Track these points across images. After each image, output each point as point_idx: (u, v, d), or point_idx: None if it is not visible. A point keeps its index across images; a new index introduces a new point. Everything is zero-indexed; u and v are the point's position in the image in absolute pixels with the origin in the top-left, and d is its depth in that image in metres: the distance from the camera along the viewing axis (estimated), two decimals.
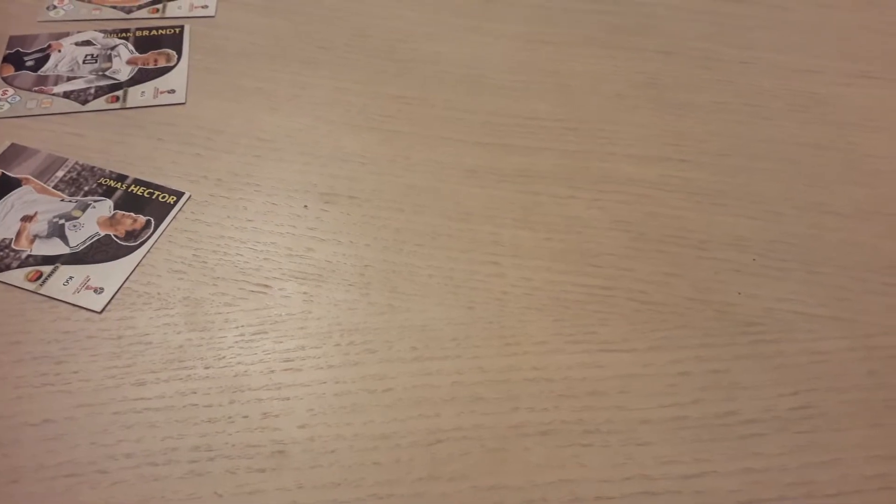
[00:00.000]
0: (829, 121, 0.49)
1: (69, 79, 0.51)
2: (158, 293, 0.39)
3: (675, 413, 0.35)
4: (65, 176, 0.45)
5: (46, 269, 0.40)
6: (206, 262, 0.40)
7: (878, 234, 0.42)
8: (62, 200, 0.43)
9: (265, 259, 0.41)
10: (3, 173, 0.45)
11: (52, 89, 0.50)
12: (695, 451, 0.34)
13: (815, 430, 0.34)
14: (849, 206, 0.44)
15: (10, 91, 0.50)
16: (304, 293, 0.39)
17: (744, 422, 0.34)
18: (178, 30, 0.55)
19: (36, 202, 0.43)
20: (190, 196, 0.44)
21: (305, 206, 0.43)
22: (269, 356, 0.37)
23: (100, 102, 0.49)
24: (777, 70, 0.53)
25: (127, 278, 0.40)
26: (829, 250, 0.42)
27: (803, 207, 0.44)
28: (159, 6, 0.57)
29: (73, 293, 0.39)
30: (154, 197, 0.44)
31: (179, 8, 0.57)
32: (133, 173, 0.45)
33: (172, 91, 0.50)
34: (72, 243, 0.41)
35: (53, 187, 0.44)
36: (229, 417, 0.34)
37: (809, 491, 0.32)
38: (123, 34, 0.55)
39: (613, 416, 0.35)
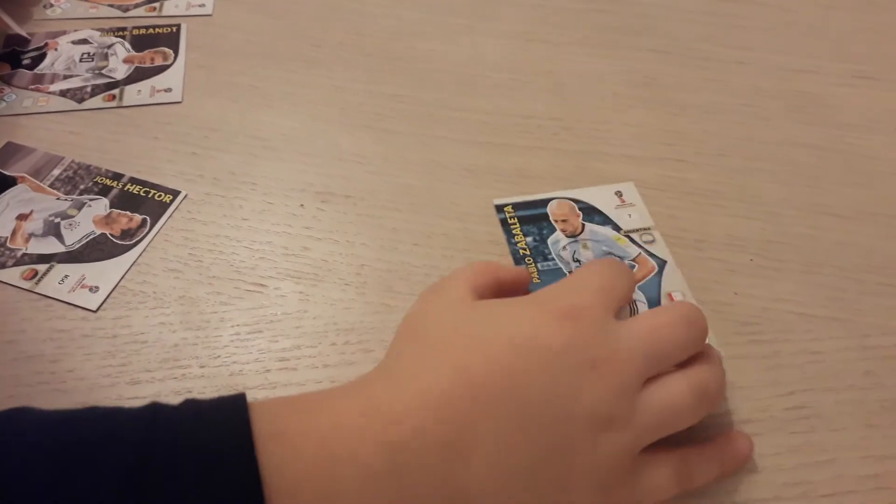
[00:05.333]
0: (828, 122, 0.49)
1: (66, 77, 0.51)
2: (154, 292, 0.39)
3: None
4: (61, 174, 0.45)
5: (42, 267, 0.40)
6: (201, 261, 0.40)
7: (875, 235, 0.42)
8: (58, 199, 0.43)
9: (261, 258, 0.41)
10: None
11: (49, 87, 0.50)
12: None
13: (811, 431, 0.34)
14: (847, 207, 0.44)
15: (7, 89, 0.50)
16: (300, 292, 0.39)
17: (739, 422, 0.34)
18: (174, 28, 0.55)
19: (32, 200, 0.43)
20: (186, 195, 0.44)
21: (302, 205, 0.43)
22: (265, 355, 0.37)
23: (96, 101, 0.49)
24: (775, 70, 0.53)
25: (122, 277, 0.39)
26: (827, 251, 0.42)
27: (801, 208, 0.44)
28: (156, 4, 0.57)
29: (69, 292, 0.39)
30: (150, 196, 0.44)
31: (176, 6, 0.57)
32: (129, 172, 0.45)
33: (169, 90, 0.50)
34: (67, 242, 0.41)
35: (49, 186, 0.44)
36: None
37: (804, 491, 0.32)
38: (120, 33, 0.55)
39: None
